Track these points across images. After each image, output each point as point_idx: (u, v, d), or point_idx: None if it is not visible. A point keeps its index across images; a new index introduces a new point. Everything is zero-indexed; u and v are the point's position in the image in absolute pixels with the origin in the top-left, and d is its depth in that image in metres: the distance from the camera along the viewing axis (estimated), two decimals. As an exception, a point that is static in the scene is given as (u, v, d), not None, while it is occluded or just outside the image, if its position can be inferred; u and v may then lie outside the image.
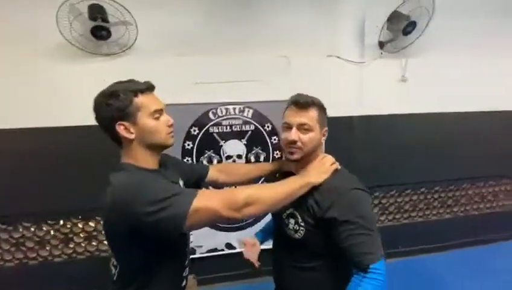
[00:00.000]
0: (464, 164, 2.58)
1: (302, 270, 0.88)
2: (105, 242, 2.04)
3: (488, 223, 2.75)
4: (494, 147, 2.60)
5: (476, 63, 2.44)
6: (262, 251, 1.12)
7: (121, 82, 0.75)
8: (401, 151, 2.42)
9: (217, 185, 1.06)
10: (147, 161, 0.77)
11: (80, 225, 2.02)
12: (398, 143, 2.41)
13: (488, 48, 2.44)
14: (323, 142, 0.93)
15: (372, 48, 2.23)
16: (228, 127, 2.04)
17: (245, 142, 2.07)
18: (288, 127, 0.87)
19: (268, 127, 2.09)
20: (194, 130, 2.00)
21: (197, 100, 2.00)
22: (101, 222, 0.77)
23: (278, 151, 2.12)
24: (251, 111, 2.06)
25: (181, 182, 0.90)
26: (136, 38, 1.83)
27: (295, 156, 0.86)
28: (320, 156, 0.91)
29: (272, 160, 2.12)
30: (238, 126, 2.05)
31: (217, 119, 2.03)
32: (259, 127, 2.08)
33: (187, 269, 0.88)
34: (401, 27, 1.98)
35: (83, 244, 2.04)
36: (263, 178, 1.14)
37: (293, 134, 0.84)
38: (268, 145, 2.11)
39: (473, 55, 2.41)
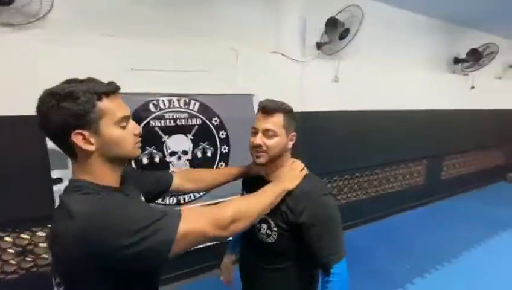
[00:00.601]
0: (375, 153, 3.13)
1: (274, 271, 0.91)
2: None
3: (393, 199, 3.46)
4: (397, 138, 3.23)
5: (388, 69, 2.95)
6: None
7: (77, 80, 0.59)
8: (331, 144, 2.74)
9: (182, 192, 0.97)
10: (108, 177, 0.63)
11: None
12: (329, 137, 2.71)
13: (398, 57, 2.98)
14: (290, 146, 0.93)
15: (311, 49, 2.40)
16: (172, 121, 1.88)
17: (191, 137, 1.95)
18: (254, 132, 0.88)
19: (216, 121, 2.02)
20: (132, 124, 1.76)
21: (134, 89, 1.76)
22: (51, 253, 0.60)
23: (225, 146, 2.09)
24: (197, 104, 1.94)
25: (142, 199, 0.78)
26: (51, 8, 1.45)
27: (261, 160, 0.88)
28: (289, 161, 0.93)
29: (220, 155, 2.07)
30: (183, 120, 1.91)
31: (159, 112, 1.83)
32: (207, 121, 1.99)
33: None
34: (338, 32, 2.18)
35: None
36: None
37: (258, 139, 0.86)
38: (216, 140, 2.04)
39: (388, 63, 2.90)
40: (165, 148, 1.88)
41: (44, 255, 1.73)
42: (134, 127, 0.66)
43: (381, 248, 2.74)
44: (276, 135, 0.85)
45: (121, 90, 1.84)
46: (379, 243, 2.84)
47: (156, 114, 1.82)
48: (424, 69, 3.33)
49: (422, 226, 3.22)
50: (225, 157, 2.10)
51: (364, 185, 3.20)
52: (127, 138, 0.64)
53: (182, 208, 0.62)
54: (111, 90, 0.61)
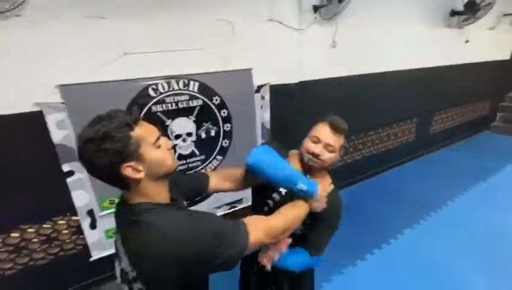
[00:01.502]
0: (370, 115, 3.21)
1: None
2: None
3: (386, 157, 3.67)
4: (390, 99, 3.29)
5: (385, 29, 2.87)
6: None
7: (103, 117, 0.60)
8: (328, 111, 2.75)
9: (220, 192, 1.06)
10: (161, 194, 0.69)
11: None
12: (325, 104, 2.70)
13: (395, 15, 2.89)
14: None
15: (308, 13, 2.28)
16: (173, 104, 1.85)
17: (194, 119, 1.95)
18: (316, 141, 0.96)
19: (216, 100, 2.00)
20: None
21: (130, 75, 1.70)
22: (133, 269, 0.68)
23: (228, 124, 2.11)
24: (197, 84, 1.90)
25: (185, 203, 0.86)
26: (29, -7, 1.32)
27: (314, 164, 0.98)
28: (326, 178, 1.04)
29: (224, 134, 2.11)
30: (184, 102, 1.89)
31: (160, 96, 1.80)
32: (207, 101, 1.97)
33: None
34: (337, -5, 2.06)
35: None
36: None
37: (318, 149, 0.95)
38: (218, 119, 2.05)
39: (384, 22, 2.80)
40: (169, 132, 1.89)
41: (68, 241, 1.84)
42: (166, 143, 0.70)
43: (375, 201, 3.00)
44: (334, 151, 0.96)
45: (117, 77, 1.77)
46: (372, 197, 3.10)
47: (156, 99, 1.79)
48: (420, 25, 3.24)
49: (413, 179, 3.50)
50: (228, 135, 2.14)
51: (359, 147, 3.35)
52: (165, 154, 0.68)
53: (243, 219, 0.72)
54: (137, 118, 0.64)
